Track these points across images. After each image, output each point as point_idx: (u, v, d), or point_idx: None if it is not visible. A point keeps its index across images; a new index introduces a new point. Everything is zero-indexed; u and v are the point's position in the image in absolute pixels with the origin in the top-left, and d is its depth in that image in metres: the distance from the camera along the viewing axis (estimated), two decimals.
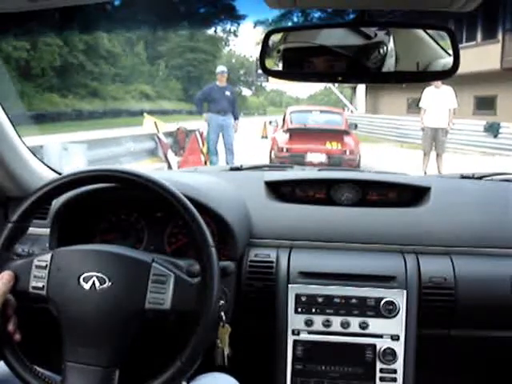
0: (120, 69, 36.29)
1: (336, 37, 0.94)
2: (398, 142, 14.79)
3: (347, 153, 7.47)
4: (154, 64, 43.74)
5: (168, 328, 1.02)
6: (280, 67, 0.98)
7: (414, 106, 20.19)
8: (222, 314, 1.08)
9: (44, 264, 0.89)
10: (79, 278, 0.87)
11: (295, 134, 7.84)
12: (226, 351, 1.11)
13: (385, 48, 0.93)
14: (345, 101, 22.98)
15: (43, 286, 0.89)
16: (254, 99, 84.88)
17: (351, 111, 22.23)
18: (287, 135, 7.89)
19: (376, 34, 0.93)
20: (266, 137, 16.62)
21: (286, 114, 8.90)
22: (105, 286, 0.87)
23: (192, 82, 45.40)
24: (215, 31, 46.65)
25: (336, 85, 23.39)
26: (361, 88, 20.43)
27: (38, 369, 0.89)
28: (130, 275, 0.88)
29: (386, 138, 15.87)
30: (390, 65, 0.93)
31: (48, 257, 0.89)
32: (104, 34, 30.80)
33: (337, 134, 7.76)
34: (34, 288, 0.89)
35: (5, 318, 0.87)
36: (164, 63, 43.18)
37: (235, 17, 45.35)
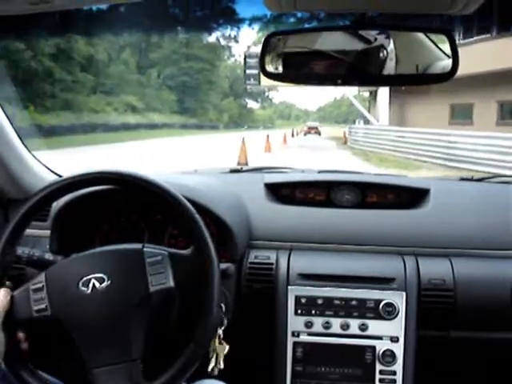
0: (103, 78, 32.96)
1: (336, 42, 0.97)
2: (448, 168, 9.06)
3: (317, 132, 33.97)
4: (143, 73, 38.51)
5: (176, 316, 1.06)
6: (280, 70, 1.01)
7: (461, 116, 14.00)
8: (220, 330, 1.13)
9: (40, 285, 0.92)
10: (78, 284, 0.90)
11: (308, 128, 35.96)
12: (220, 365, 1.13)
13: (385, 52, 0.96)
14: (363, 111, 17.71)
15: (46, 307, 0.90)
16: (260, 112, 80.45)
17: (364, 122, 17.08)
18: (307, 128, 36.45)
19: (376, 39, 0.96)
20: (270, 150, 13.91)
21: (306, 123, 41.49)
22: (104, 284, 0.90)
23: (187, 92, 40.39)
24: (217, 38, 41.18)
25: (352, 94, 18.23)
26: (383, 93, 15.16)
27: None
28: (126, 266, 0.92)
29: (427, 161, 10.19)
30: (390, 68, 0.96)
31: (42, 277, 0.92)
32: (82, 38, 27.73)
33: (316, 129, 34.95)
34: (38, 311, 0.91)
35: (10, 334, 0.90)
36: (156, 72, 37.88)
37: (235, 21, 39.50)
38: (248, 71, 16.91)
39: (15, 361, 0.90)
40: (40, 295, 0.91)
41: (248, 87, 20.86)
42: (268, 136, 14.70)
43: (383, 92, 16.61)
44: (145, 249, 0.93)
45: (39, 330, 0.98)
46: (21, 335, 0.92)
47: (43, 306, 0.91)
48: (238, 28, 42.37)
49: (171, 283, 0.91)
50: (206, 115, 44.51)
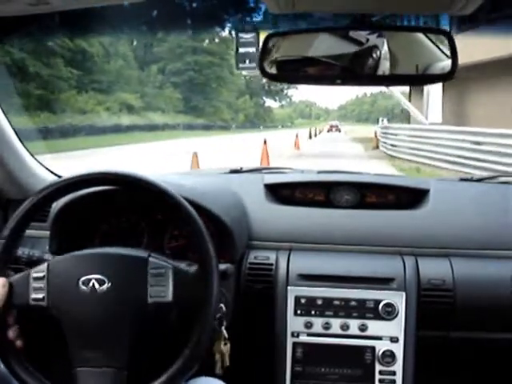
0: (98, 74, 29.41)
1: (328, 47, 1.00)
2: None
3: (338, 129, 47.73)
4: (144, 68, 34.23)
5: (173, 320, 1.08)
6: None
7: None
8: (224, 331, 1.17)
9: (41, 275, 0.94)
10: (78, 282, 0.93)
11: (330, 126, 50.22)
12: (217, 357, 1.19)
13: (378, 52, 0.98)
14: (409, 106, 14.64)
15: (43, 297, 0.93)
16: (279, 111, 77.25)
17: (388, 121, 12.35)
18: (329, 125, 51.09)
19: (368, 40, 0.98)
20: (268, 164, 9.53)
21: (329, 122, 58.97)
22: (104, 286, 0.92)
23: (194, 90, 35.76)
24: (229, 31, 36.94)
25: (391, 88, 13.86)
26: (434, 88, 10.43)
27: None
28: (129, 272, 0.95)
29: None
30: (385, 68, 0.99)
31: (44, 267, 0.95)
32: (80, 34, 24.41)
33: (337, 127, 49.42)
34: (35, 300, 0.94)
35: (4, 326, 0.94)
36: (157, 67, 33.58)
37: (247, 10, 35.24)
38: (241, 49, 12.25)
39: (9, 354, 0.94)
40: (40, 284, 0.94)
41: (244, 73, 15.99)
42: (265, 142, 9.87)
43: (435, 85, 11.75)
44: (150, 258, 0.95)
45: (32, 321, 1.01)
46: (13, 332, 0.94)
47: (41, 296, 0.93)
48: (251, 18, 37.35)
49: (170, 298, 0.93)
50: (216, 114, 40.26)
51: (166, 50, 38.93)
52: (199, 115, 39.18)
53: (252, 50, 12.09)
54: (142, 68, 37.06)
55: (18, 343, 0.93)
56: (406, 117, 17.56)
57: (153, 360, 1.04)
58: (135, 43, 36.56)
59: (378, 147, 16.91)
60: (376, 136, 17.91)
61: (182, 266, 0.95)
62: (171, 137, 25.16)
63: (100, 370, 0.89)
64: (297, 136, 18.05)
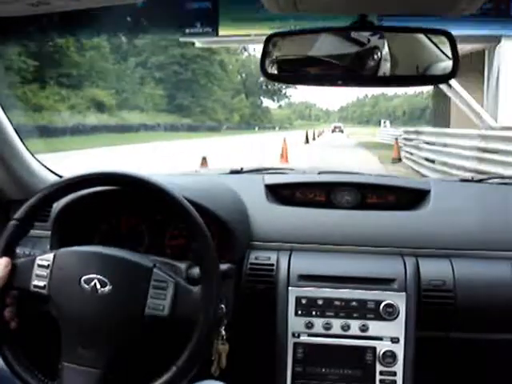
0: (66, 66, 25.54)
1: (329, 47, 1.01)
2: None
3: (341, 130, 55.34)
4: (121, 61, 29.90)
5: (166, 334, 1.11)
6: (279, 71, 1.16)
7: None
8: (223, 331, 1.21)
9: (46, 263, 0.98)
10: (80, 279, 0.96)
11: (334, 127, 58.61)
12: (214, 357, 1.20)
13: (379, 53, 0.99)
14: (473, 106, 10.03)
15: (44, 286, 0.97)
16: (277, 111, 74.05)
17: (390, 123, 8.56)
18: (333, 127, 59.15)
19: (369, 40, 0.99)
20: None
21: (332, 124, 67.65)
22: (106, 289, 0.95)
23: (180, 86, 31.58)
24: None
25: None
26: (506, 72, 5.88)
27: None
28: (131, 280, 0.98)
29: None
30: (385, 69, 1.00)
31: (50, 256, 0.99)
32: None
33: (340, 127, 56.90)
34: (36, 287, 0.97)
35: (3, 304, 0.98)
36: (136, 60, 29.34)
37: None
38: (189, 5, 7.74)
39: (2, 334, 0.97)
40: (43, 272, 0.96)
41: (197, 43, 11.40)
42: (204, 159, 5.76)
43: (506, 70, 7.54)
44: (155, 269, 0.98)
45: (31, 309, 1.04)
46: (9, 312, 0.98)
47: (42, 284, 0.96)
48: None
49: (166, 312, 0.95)
50: (205, 114, 35.94)
51: (149, 42, 34.97)
52: (185, 115, 35.68)
53: (205, 4, 7.54)
54: (119, 61, 32.98)
55: (13, 324, 0.97)
56: (433, 118, 13.28)
57: (144, 367, 1.07)
58: (111, 32, 32.56)
59: (400, 159, 12.68)
60: (397, 143, 13.68)
61: (185, 282, 0.98)
62: (147, 139, 22.64)
63: (85, 369, 0.93)
64: (284, 141, 12.60)
